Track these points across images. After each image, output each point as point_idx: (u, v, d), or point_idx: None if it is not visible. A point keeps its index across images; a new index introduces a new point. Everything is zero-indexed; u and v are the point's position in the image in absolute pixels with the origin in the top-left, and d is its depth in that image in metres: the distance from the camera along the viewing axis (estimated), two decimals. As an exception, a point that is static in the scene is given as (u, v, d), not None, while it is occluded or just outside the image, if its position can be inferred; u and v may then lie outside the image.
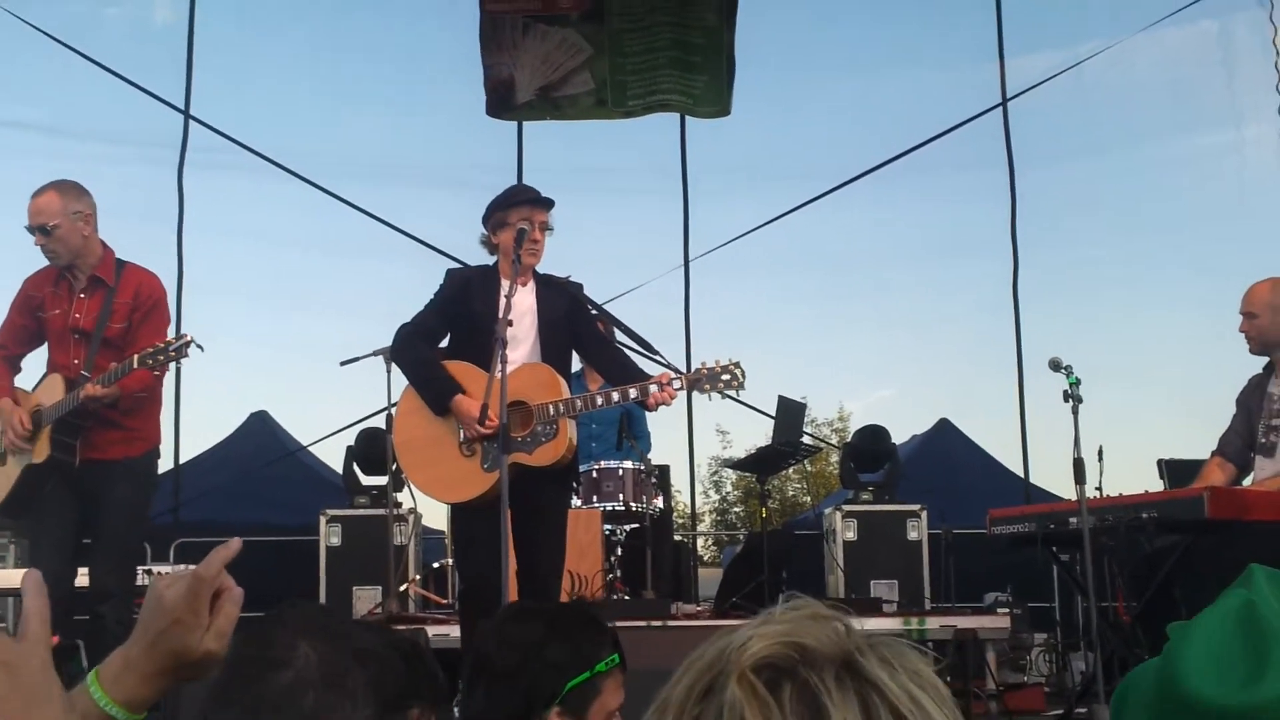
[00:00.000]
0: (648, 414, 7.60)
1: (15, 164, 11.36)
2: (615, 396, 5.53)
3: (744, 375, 5.54)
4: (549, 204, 5.72)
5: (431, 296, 5.79)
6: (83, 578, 5.90)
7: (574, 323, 5.78)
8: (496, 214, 5.72)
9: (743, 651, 1.04)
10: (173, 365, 9.15)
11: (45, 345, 6.03)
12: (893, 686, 1.02)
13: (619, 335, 6.32)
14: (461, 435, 5.54)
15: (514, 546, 5.38)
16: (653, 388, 5.42)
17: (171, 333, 5.80)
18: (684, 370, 5.84)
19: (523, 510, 5.39)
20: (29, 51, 10.74)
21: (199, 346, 5.53)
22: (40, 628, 1.15)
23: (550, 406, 5.42)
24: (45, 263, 5.97)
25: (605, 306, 6.36)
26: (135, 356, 5.49)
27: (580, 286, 5.91)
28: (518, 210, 5.64)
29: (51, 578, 5.65)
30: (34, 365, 6.08)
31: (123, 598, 5.73)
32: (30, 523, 6.04)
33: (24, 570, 1.18)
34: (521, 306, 5.55)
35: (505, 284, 5.50)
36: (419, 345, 5.71)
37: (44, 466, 5.75)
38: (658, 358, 5.83)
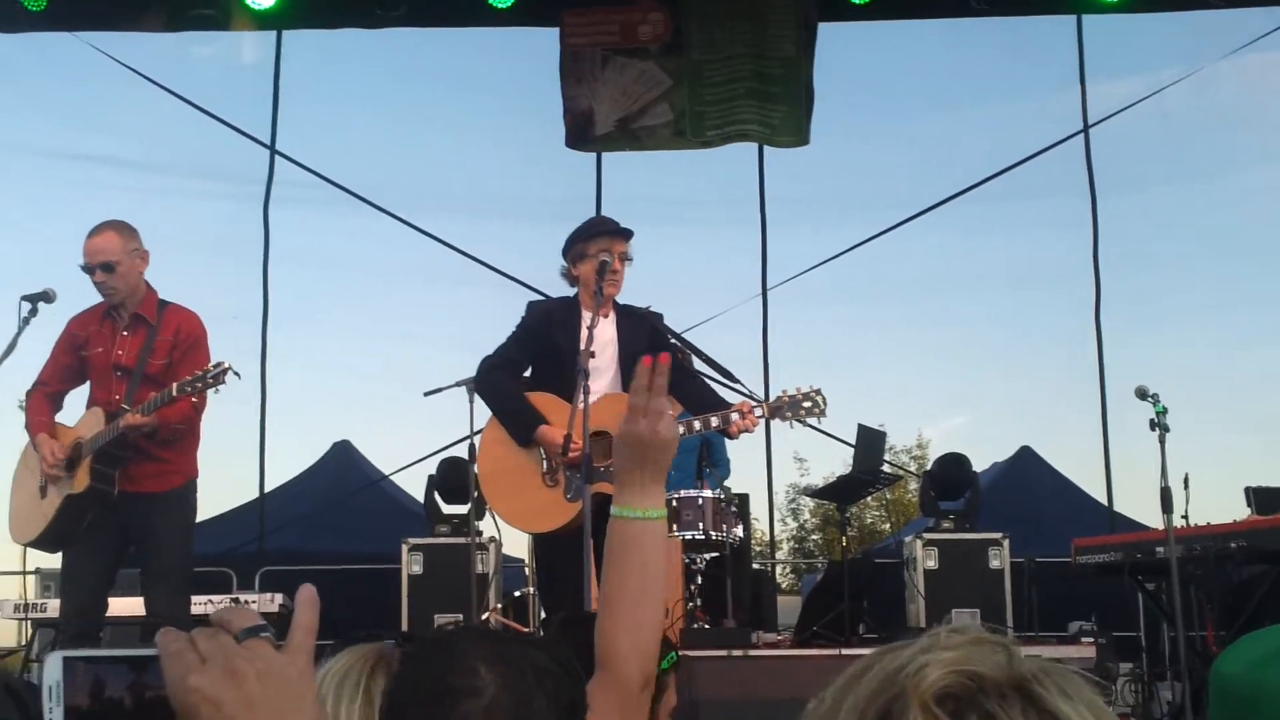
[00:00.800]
0: (727, 441, 7.63)
1: (106, 198, 11.65)
2: (697, 425, 5.55)
3: (825, 402, 5.55)
4: (628, 235, 5.77)
5: (514, 329, 5.85)
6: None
7: (655, 354, 5.81)
8: (576, 246, 5.78)
9: (919, 679, 1.02)
10: (259, 403, 9.20)
11: (87, 383, 6.15)
12: (1074, 719, 1.01)
13: (698, 364, 6.35)
14: (544, 466, 5.59)
15: (597, 575, 5.42)
16: (734, 416, 5.44)
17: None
18: (764, 399, 5.87)
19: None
20: (121, 89, 10.99)
21: (235, 374, 5.63)
22: (303, 639, 1.20)
23: None
24: (90, 303, 6.12)
25: (684, 335, 6.40)
26: (174, 385, 5.61)
27: (660, 317, 5.96)
28: (597, 242, 5.70)
29: (80, 605, 5.80)
30: (74, 404, 6.22)
31: (178, 626, 5.81)
32: (68, 551, 6.12)
33: (302, 585, 1.17)
34: (603, 338, 5.60)
35: (587, 315, 5.55)
36: (502, 377, 5.77)
37: (85, 496, 5.85)
38: (738, 386, 5.86)
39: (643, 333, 5.78)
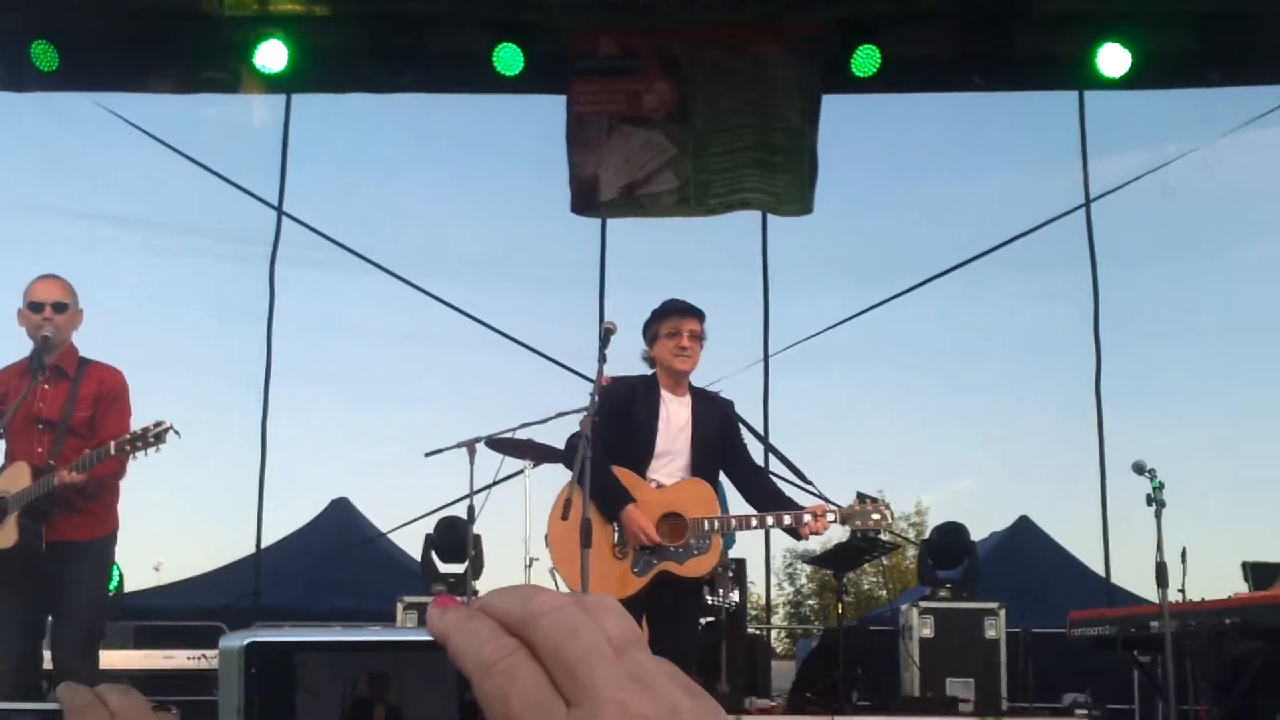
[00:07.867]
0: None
1: (114, 256, 11.72)
2: (769, 521, 5.69)
3: (893, 516, 5.70)
4: (692, 311, 5.92)
5: (599, 406, 5.96)
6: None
7: (726, 443, 5.95)
8: (650, 328, 5.98)
9: None
10: (259, 459, 9.19)
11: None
12: None
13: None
14: (616, 537, 5.70)
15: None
16: (806, 518, 5.57)
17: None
18: (836, 503, 5.95)
19: (659, 614, 5.53)
20: (130, 149, 11.07)
21: (176, 433, 5.56)
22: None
23: (706, 522, 5.59)
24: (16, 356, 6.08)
25: (755, 427, 6.53)
26: (112, 443, 5.54)
27: (731, 404, 6.09)
28: (667, 321, 5.88)
29: (17, 661, 5.74)
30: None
31: (87, 678, 5.75)
32: None
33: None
34: (678, 420, 5.79)
35: (664, 395, 5.77)
36: (592, 453, 5.84)
37: (12, 552, 5.77)
38: (809, 487, 5.98)
39: (715, 420, 5.91)
